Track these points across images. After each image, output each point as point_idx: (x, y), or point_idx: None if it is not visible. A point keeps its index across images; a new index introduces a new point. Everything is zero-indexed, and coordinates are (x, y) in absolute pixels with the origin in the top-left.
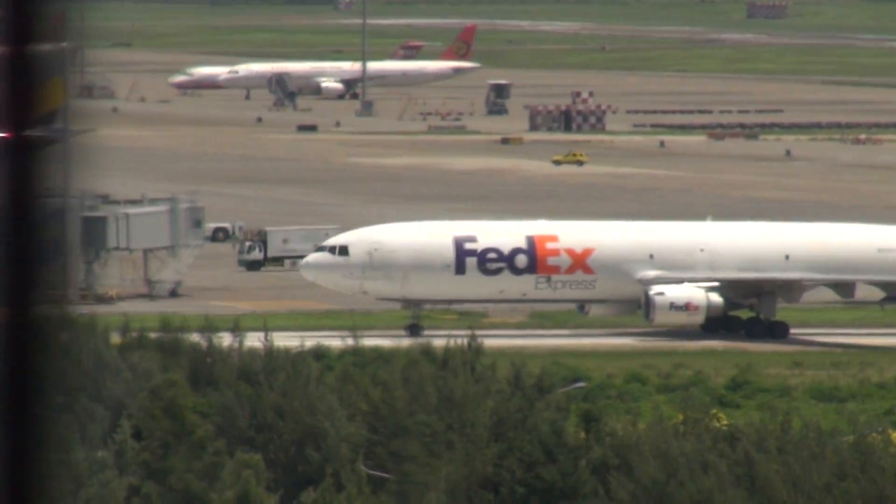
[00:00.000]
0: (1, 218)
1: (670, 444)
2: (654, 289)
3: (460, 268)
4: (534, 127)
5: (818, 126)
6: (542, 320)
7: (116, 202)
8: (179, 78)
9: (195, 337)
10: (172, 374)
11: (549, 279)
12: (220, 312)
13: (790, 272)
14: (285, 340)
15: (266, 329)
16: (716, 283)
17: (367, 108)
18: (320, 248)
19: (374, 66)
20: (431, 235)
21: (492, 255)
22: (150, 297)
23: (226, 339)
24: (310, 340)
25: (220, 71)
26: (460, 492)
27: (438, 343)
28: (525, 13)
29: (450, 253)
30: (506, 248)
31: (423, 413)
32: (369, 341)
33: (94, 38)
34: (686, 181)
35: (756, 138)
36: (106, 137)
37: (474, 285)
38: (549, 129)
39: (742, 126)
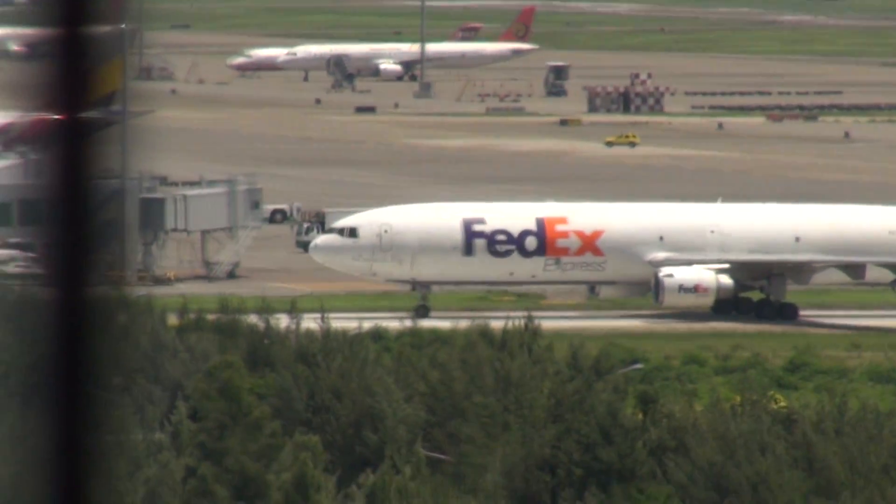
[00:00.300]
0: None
1: (728, 425)
2: (664, 270)
3: (469, 250)
4: (592, 108)
5: (877, 108)
6: (600, 302)
7: (175, 184)
8: (238, 59)
9: (253, 318)
10: (229, 356)
11: (558, 261)
12: (277, 294)
13: (800, 254)
14: (343, 322)
15: (323, 310)
16: (726, 265)
17: (426, 90)
18: (330, 230)
19: (433, 47)
20: (440, 217)
21: (501, 237)
22: (208, 278)
23: (283, 321)
24: (367, 322)
25: (279, 52)
26: (517, 473)
27: (496, 325)
28: None
29: (458, 235)
30: (515, 230)
31: (481, 394)
32: (426, 323)
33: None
34: (744, 163)
35: (815, 120)
36: (165, 119)
37: (483, 267)
38: (608, 111)
39: (801, 108)
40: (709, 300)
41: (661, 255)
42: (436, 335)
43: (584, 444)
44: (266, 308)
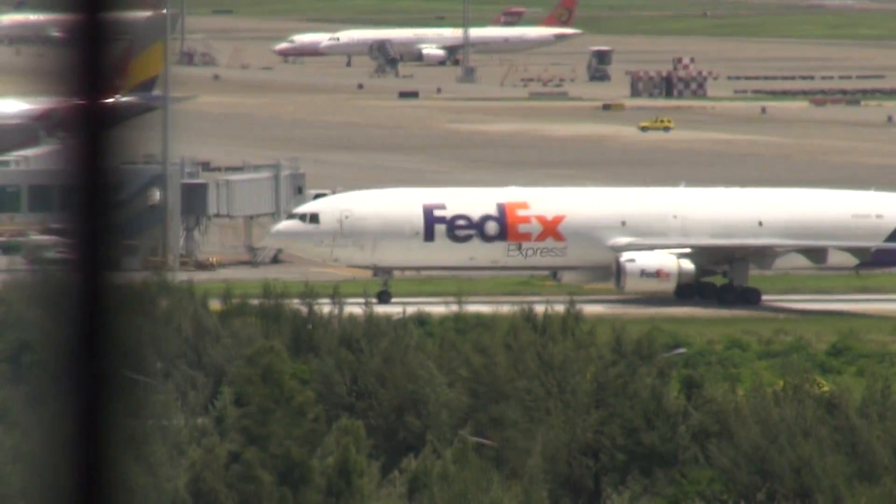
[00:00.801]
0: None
1: (770, 410)
2: (625, 255)
3: (429, 235)
4: (635, 93)
5: None
6: None
7: (218, 169)
8: (282, 45)
9: (296, 304)
10: (270, 341)
11: (519, 246)
12: (320, 279)
13: (763, 238)
14: (385, 307)
15: (366, 295)
16: (688, 250)
17: (469, 75)
18: (291, 216)
19: (476, 32)
20: (401, 203)
21: (461, 223)
22: (251, 263)
23: (326, 306)
24: (410, 307)
25: (322, 38)
26: (560, 458)
27: (539, 310)
28: None
29: (419, 220)
30: (475, 215)
31: (524, 379)
32: (471, 307)
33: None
34: (787, 147)
35: (857, 104)
36: (208, 104)
37: (444, 252)
38: (651, 96)
39: (843, 92)
40: (671, 285)
41: (622, 240)
42: (479, 320)
43: (628, 428)
44: (309, 293)
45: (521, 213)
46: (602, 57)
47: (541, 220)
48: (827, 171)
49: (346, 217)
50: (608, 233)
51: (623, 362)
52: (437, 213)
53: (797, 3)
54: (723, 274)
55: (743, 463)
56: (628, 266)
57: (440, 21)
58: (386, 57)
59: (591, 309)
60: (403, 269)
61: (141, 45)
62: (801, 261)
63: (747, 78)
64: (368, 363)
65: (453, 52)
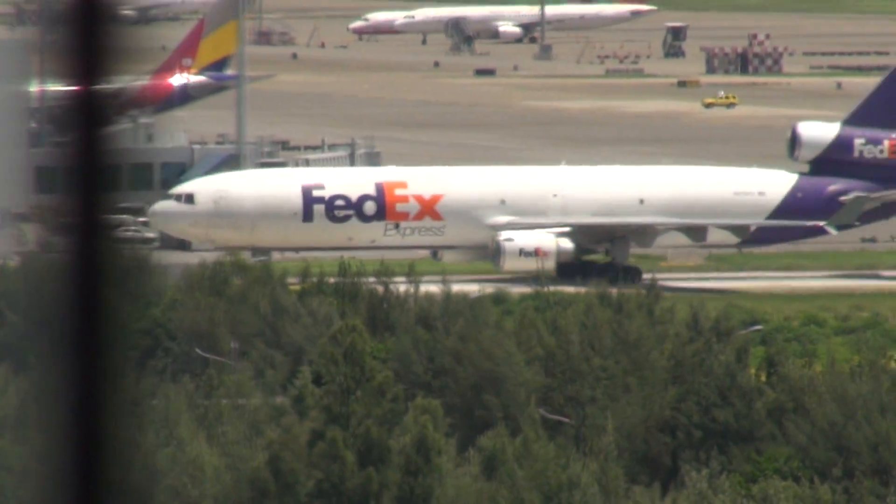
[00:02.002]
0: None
1: (847, 386)
2: (503, 234)
3: (308, 215)
4: (710, 69)
5: None
6: (719, 263)
7: (296, 148)
8: (357, 23)
9: (372, 282)
10: (352, 320)
11: (397, 226)
12: (396, 258)
13: (643, 217)
14: (464, 285)
15: (444, 274)
16: (567, 229)
17: (545, 52)
18: (167, 196)
19: (552, 9)
20: (279, 183)
21: (340, 203)
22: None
23: (402, 285)
24: (488, 285)
25: (397, 16)
26: (637, 435)
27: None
28: None
29: (297, 200)
30: (354, 195)
31: (600, 357)
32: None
33: None
34: None
35: None
36: (286, 83)
37: (322, 232)
38: (726, 72)
39: None
40: (550, 264)
41: (502, 219)
42: (558, 298)
43: (704, 405)
44: (385, 272)
45: (399, 192)
46: (677, 33)
47: (419, 199)
48: None
49: (222, 197)
50: (487, 212)
51: (700, 339)
52: (316, 193)
53: None
54: (605, 252)
55: (820, 439)
56: (506, 245)
57: None
58: (462, 35)
59: (670, 285)
60: (282, 249)
61: (214, 25)
62: (683, 239)
63: (823, 54)
64: (445, 342)
65: (529, 30)
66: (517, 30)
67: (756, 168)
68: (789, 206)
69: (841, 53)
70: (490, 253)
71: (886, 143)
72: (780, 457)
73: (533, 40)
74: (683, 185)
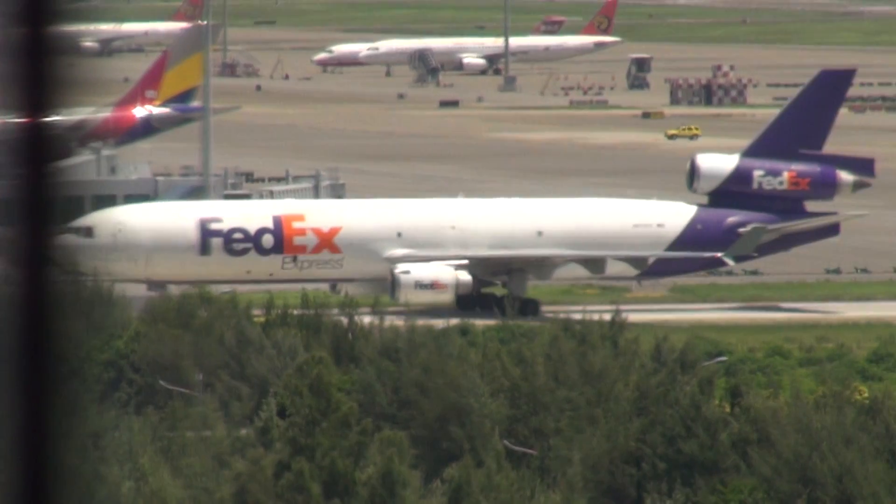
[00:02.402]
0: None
1: (811, 417)
2: (400, 267)
3: (205, 248)
4: (675, 101)
5: None
6: (684, 294)
7: (261, 179)
8: (321, 55)
9: (336, 314)
10: (317, 352)
11: (295, 259)
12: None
13: (540, 249)
14: (428, 317)
15: (408, 305)
16: (465, 261)
17: (510, 84)
18: (66, 230)
19: (517, 41)
20: (176, 216)
21: (238, 236)
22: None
23: (367, 316)
24: (453, 317)
25: (361, 48)
26: (602, 466)
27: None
28: None
29: (193, 234)
30: (252, 228)
31: (564, 388)
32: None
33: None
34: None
35: None
36: (251, 115)
37: (220, 266)
38: (690, 103)
39: (883, 98)
40: (447, 296)
41: (399, 251)
42: (523, 329)
43: (668, 436)
44: (349, 303)
45: (297, 225)
46: (641, 65)
47: (317, 232)
48: None
49: (120, 230)
50: (385, 244)
51: (664, 370)
52: (214, 226)
53: (836, 9)
54: (502, 284)
55: (784, 471)
56: (403, 278)
57: (480, 30)
58: (426, 66)
59: (635, 317)
60: (178, 283)
61: (179, 57)
62: (581, 271)
63: (787, 85)
64: (409, 373)
65: (494, 61)
66: (481, 61)
67: (655, 200)
68: (688, 238)
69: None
70: (387, 285)
71: (786, 174)
72: (744, 488)
73: (497, 72)
74: (582, 217)
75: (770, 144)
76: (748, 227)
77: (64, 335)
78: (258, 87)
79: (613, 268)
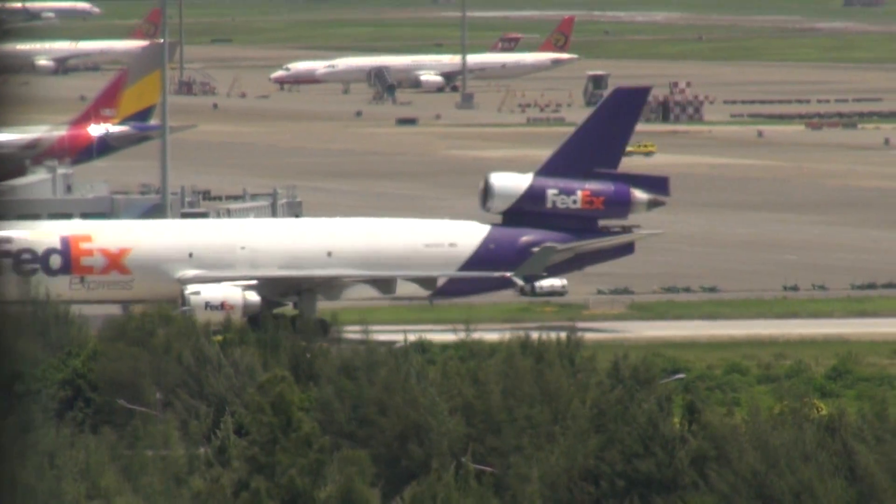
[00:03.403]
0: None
1: (769, 434)
2: (190, 288)
3: None
4: None
5: None
6: (642, 312)
7: (218, 198)
8: (279, 73)
9: (293, 334)
10: (279, 370)
11: (83, 279)
12: (319, 307)
13: (330, 269)
14: (387, 335)
15: (366, 324)
16: (254, 282)
17: (467, 101)
18: None
19: (474, 58)
20: None
21: (26, 256)
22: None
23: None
24: (412, 334)
25: (318, 65)
26: (561, 484)
27: (540, 336)
28: (622, 4)
29: None
30: (40, 248)
31: (523, 406)
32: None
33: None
34: (784, 171)
35: (854, 127)
36: (208, 133)
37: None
38: (647, 120)
39: (840, 115)
40: (237, 317)
41: (190, 272)
42: (481, 347)
43: (627, 454)
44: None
45: (84, 245)
46: (598, 82)
47: (105, 252)
48: (824, 193)
49: None
50: (175, 265)
51: (621, 388)
52: (4, 247)
53: (792, 26)
54: (295, 305)
55: (742, 488)
56: (193, 299)
57: (438, 47)
58: (384, 84)
59: (592, 335)
60: None
61: (137, 75)
62: (373, 291)
63: (743, 102)
64: (369, 391)
65: (451, 79)
66: (439, 79)
67: (447, 219)
68: (481, 258)
69: (762, 102)
70: (178, 306)
71: (580, 193)
72: None
73: (454, 89)
74: (372, 237)
75: (565, 163)
76: (539, 247)
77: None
78: (215, 106)
79: (405, 288)
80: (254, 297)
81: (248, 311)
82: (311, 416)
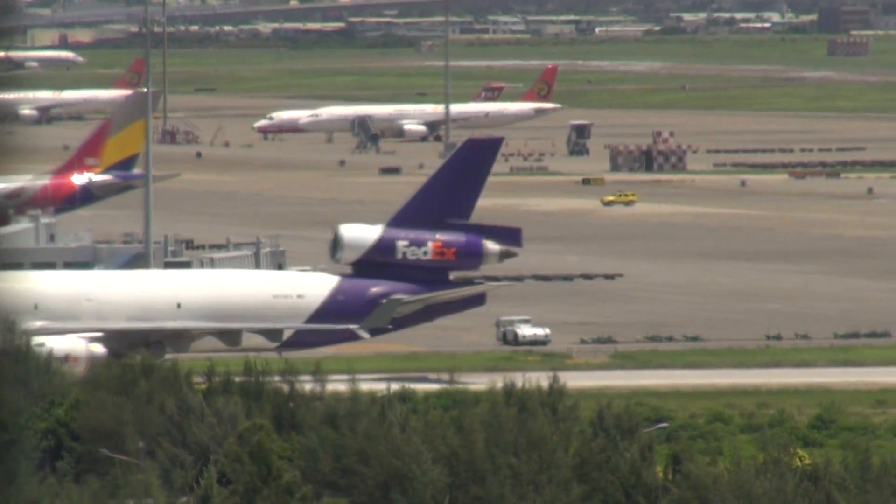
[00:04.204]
0: None
1: (752, 484)
2: (36, 340)
3: None
4: (615, 167)
5: None
6: (625, 360)
7: (201, 247)
8: (262, 122)
9: (278, 381)
10: (258, 419)
11: None
12: (302, 356)
13: (178, 321)
14: (370, 384)
15: (350, 372)
16: (100, 334)
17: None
18: None
19: (457, 107)
20: None
21: None
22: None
23: (308, 383)
24: (395, 383)
25: (302, 115)
26: None
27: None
28: (605, 53)
29: None
30: None
31: (506, 455)
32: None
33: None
34: (767, 220)
35: (838, 176)
36: (191, 182)
37: None
38: (631, 170)
39: (823, 164)
40: (80, 369)
41: (35, 323)
42: (464, 396)
43: (610, 503)
44: (290, 370)
45: None
46: (581, 131)
47: None
48: (807, 243)
49: None
50: (20, 317)
51: (604, 437)
52: None
53: (776, 75)
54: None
55: None
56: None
57: (421, 97)
58: (367, 133)
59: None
60: None
61: (120, 124)
62: (220, 343)
63: (727, 151)
64: (351, 440)
65: (434, 128)
66: (422, 128)
67: (295, 270)
68: (330, 309)
69: (745, 151)
70: None
71: (430, 244)
72: None
73: (438, 138)
74: (221, 289)
75: (416, 214)
76: (385, 300)
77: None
78: (198, 154)
79: (253, 339)
80: (99, 349)
81: (94, 363)
82: (294, 465)
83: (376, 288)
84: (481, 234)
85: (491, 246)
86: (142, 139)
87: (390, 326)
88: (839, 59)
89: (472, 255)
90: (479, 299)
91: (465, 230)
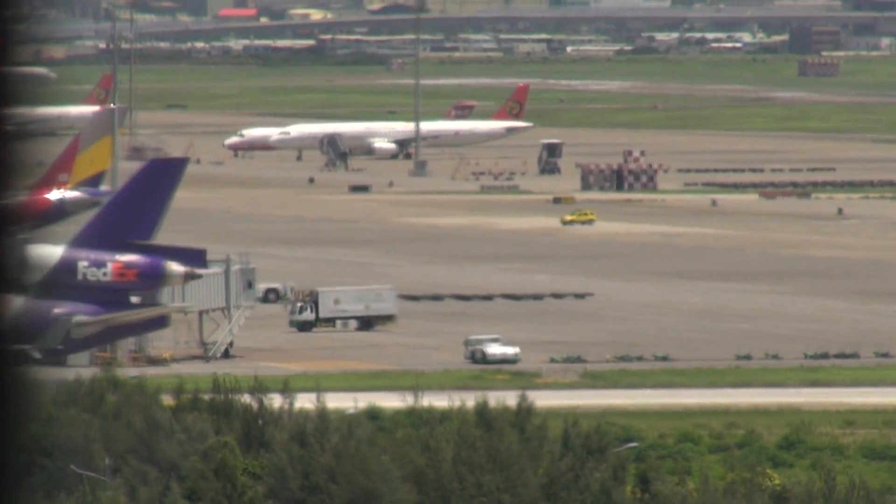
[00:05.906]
0: None
1: (720, 503)
2: None
3: None
4: (586, 186)
5: (870, 184)
6: (595, 380)
7: None
8: (232, 139)
9: (247, 398)
10: (224, 436)
11: None
12: (271, 373)
13: None
14: (338, 402)
15: (319, 390)
16: None
17: (420, 168)
18: None
19: (427, 125)
20: None
21: None
22: (203, 358)
23: (277, 401)
24: (363, 401)
25: (272, 132)
26: None
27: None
28: (577, 73)
29: None
30: None
31: (473, 474)
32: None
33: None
34: (738, 240)
35: (808, 197)
36: None
37: None
38: (601, 189)
39: (794, 184)
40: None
41: None
42: (432, 414)
43: None
44: (259, 388)
45: None
46: (552, 150)
47: None
48: (777, 263)
49: None
50: None
51: (572, 456)
52: None
53: (747, 95)
54: None
55: None
56: None
57: (391, 115)
58: (336, 151)
59: (543, 403)
60: None
61: (89, 140)
62: None
63: (697, 171)
64: (320, 458)
65: (404, 146)
66: (392, 146)
67: None
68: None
69: (716, 170)
70: None
71: (111, 265)
72: None
73: (408, 156)
74: None
75: (99, 234)
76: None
77: None
78: None
79: None
80: None
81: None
82: (262, 483)
83: (58, 309)
84: (164, 256)
85: (174, 267)
86: (109, 156)
87: (60, 347)
88: (810, 80)
89: (154, 277)
90: (160, 321)
91: (148, 251)
